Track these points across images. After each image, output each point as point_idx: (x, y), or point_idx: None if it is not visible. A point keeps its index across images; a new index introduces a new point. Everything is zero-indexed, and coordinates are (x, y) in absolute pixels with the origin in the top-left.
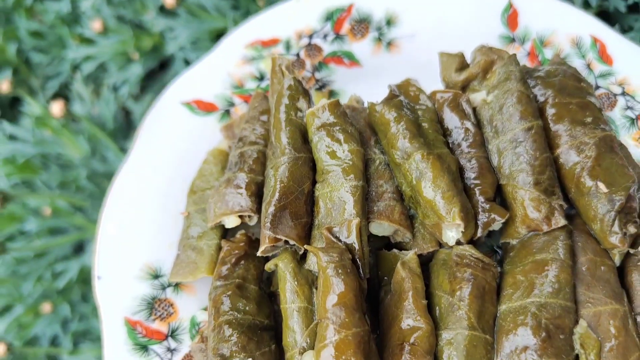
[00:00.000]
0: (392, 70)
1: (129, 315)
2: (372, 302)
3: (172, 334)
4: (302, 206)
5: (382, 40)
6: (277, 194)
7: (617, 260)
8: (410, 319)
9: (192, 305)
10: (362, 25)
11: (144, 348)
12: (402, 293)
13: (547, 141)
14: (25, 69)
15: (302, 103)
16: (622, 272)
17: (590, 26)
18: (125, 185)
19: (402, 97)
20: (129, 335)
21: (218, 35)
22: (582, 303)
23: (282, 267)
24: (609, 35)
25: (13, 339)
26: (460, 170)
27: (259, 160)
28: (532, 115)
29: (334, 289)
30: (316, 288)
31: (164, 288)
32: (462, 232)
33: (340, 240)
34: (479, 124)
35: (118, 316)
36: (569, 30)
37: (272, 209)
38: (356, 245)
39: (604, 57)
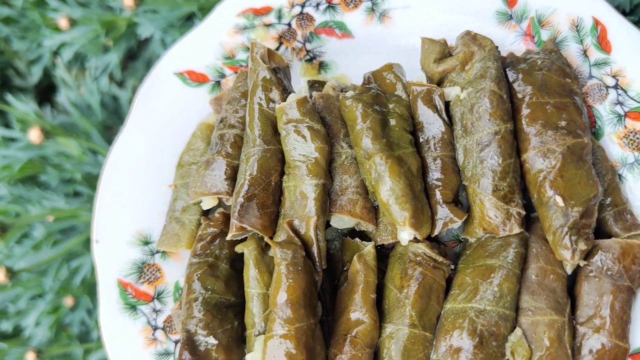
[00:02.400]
0: (384, 43)
1: (122, 277)
2: (334, 283)
3: (158, 296)
4: (269, 197)
5: (375, 11)
6: (245, 186)
7: (569, 269)
8: (357, 311)
9: (176, 271)
10: None
11: (133, 308)
12: (355, 285)
13: (515, 144)
14: (11, 51)
15: (274, 94)
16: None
17: (594, 7)
18: (120, 155)
19: (376, 87)
20: (121, 296)
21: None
22: (524, 310)
23: (247, 254)
24: (612, 19)
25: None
26: (425, 168)
27: (236, 145)
28: (501, 119)
29: (283, 287)
30: None
31: (152, 254)
32: (414, 235)
33: (299, 233)
34: (451, 120)
35: (112, 278)
36: (571, 10)
37: (240, 199)
38: (314, 241)
39: (603, 43)
